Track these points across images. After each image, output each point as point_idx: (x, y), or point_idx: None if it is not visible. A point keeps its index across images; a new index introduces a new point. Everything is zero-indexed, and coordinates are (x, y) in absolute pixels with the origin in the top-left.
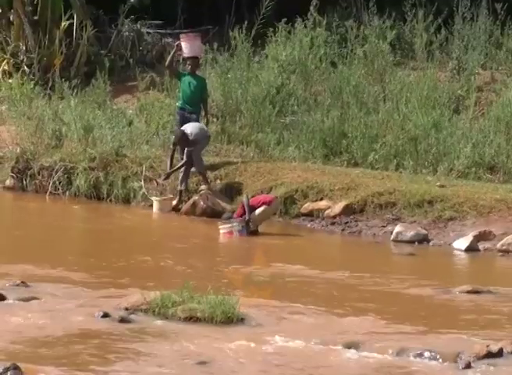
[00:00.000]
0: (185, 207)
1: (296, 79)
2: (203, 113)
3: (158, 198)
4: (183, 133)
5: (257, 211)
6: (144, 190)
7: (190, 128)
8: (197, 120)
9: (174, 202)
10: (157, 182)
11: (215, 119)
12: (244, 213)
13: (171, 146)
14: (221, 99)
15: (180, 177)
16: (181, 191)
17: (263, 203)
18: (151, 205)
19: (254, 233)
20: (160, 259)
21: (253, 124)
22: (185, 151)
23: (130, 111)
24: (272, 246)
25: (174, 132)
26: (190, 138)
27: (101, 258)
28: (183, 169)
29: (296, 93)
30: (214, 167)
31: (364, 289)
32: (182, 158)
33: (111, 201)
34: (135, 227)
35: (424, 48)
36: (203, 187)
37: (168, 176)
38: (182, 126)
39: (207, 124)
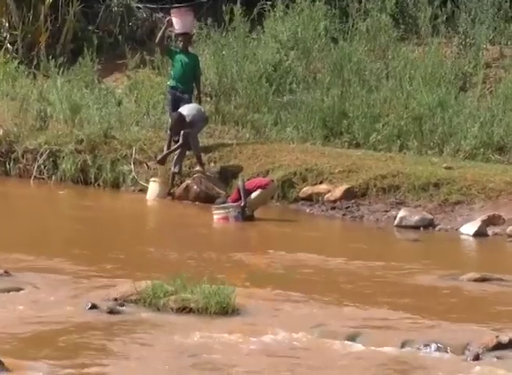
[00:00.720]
0: (177, 191)
1: (295, 56)
2: (196, 92)
3: (156, 179)
4: (180, 115)
5: (253, 195)
6: (133, 174)
7: (186, 110)
8: (190, 100)
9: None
10: (147, 165)
11: (208, 99)
12: (239, 198)
13: (168, 131)
14: (215, 77)
15: (174, 159)
16: (174, 174)
17: (258, 187)
18: (142, 190)
19: (250, 218)
20: (152, 248)
21: (248, 104)
22: (181, 133)
23: (119, 90)
24: (269, 232)
25: (170, 116)
26: (187, 120)
27: (88, 246)
28: (178, 151)
29: (295, 70)
30: (207, 149)
31: (367, 277)
32: (176, 141)
33: (99, 185)
34: (125, 214)
35: (429, 22)
36: (197, 168)
37: (162, 161)
38: (173, 105)
39: (199, 104)
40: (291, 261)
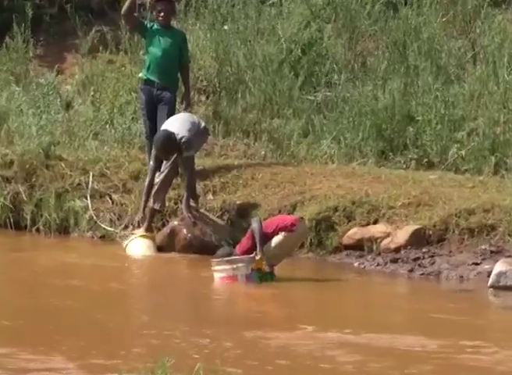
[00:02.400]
0: (159, 238)
1: (334, 31)
2: (183, 89)
3: (139, 233)
4: (167, 136)
5: (274, 242)
6: (91, 212)
7: (176, 125)
8: (173, 100)
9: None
10: (112, 199)
11: (203, 98)
12: (253, 247)
13: (151, 163)
14: (213, 65)
15: (155, 189)
16: (153, 212)
17: (281, 229)
18: (103, 237)
19: (269, 277)
20: (122, 324)
21: (264, 104)
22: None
23: (68, 87)
24: (298, 299)
25: (155, 140)
26: (182, 140)
27: (26, 323)
28: (160, 177)
29: (334, 53)
30: (203, 174)
31: (450, 367)
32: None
33: (38, 231)
34: (80, 273)
35: None
36: (185, 204)
37: (160, 203)
38: (149, 109)
39: (187, 107)
40: (330, 341)
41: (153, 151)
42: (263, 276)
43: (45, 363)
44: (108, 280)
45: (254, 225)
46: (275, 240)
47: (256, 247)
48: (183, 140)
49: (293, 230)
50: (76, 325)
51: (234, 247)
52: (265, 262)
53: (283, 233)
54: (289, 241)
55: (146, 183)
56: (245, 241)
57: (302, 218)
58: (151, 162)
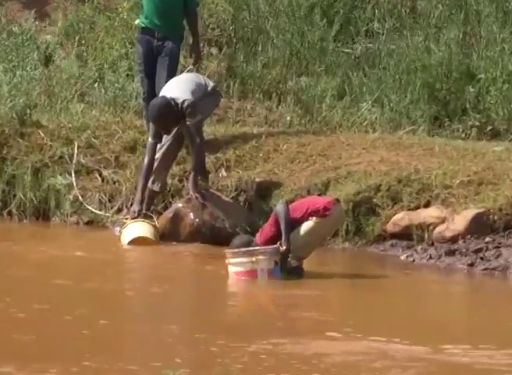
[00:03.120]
0: (160, 224)
1: None
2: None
3: (136, 220)
4: (165, 104)
5: (303, 229)
6: (76, 191)
7: (175, 88)
8: (175, 51)
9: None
10: (101, 175)
11: (214, 51)
12: (277, 235)
13: (149, 139)
14: (227, 11)
15: (155, 165)
16: (152, 194)
17: (311, 213)
18: (91, 222)
19: (297, 273)
20: (128, 333)
21: (290, 59)
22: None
23: (48, 36)
24: (331, 300)
25: (150, 110)
26: (184, 105)
27: (19, 336)
28: (161, 151)
29: None
30: (215, 145)
31: None
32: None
33: (10, 214)
34: (69, 269)
35: None
36: (192, 182)
37: (163, 187)
38: (147, 62)
39: (196, 62)
40: (371, 351)
41: (150, 125)
42: (289, 271)
43: None
44: (104, 279)
45: (279, 208)
46: (305, 227)
47: (281, 235)
48: (186, 104)
49: (326, 215)
50: (76, 335)
51: (253, 235)
52: (292, 255)
53: (314, 218)
54: (322, 228)
55: (144, 164)
56: (267, 228)
57: (337, 200)
58: (150, 138)
